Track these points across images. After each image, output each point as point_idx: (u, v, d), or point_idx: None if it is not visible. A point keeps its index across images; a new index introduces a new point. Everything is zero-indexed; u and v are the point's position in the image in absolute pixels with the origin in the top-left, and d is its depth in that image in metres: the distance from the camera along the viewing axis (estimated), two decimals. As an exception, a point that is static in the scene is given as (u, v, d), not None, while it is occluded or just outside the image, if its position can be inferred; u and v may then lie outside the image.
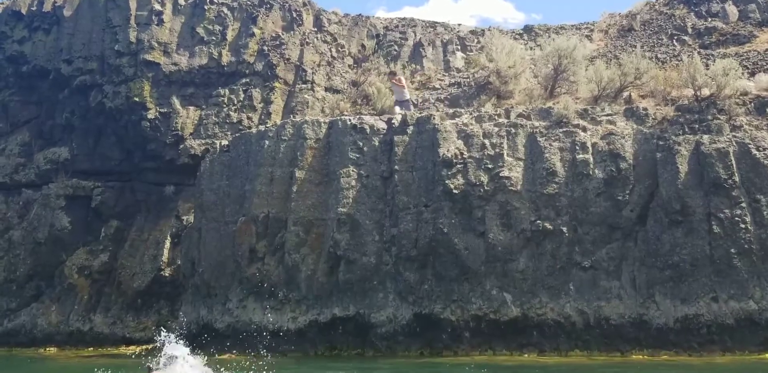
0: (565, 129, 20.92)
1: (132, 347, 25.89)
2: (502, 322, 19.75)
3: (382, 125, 22.17)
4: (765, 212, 19.39)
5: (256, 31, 28.55)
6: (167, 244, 27.62)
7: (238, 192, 23.28)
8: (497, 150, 20.81)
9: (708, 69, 22.02)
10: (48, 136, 30.79)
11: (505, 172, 20.52)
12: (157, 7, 28.27)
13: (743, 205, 19.44)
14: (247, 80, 28.07)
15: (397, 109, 24.14)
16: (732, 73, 21.52)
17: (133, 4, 28.45)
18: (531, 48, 28.39)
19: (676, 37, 27.34)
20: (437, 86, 27.34)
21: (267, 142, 22.97)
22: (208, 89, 28.15)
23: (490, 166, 20.65)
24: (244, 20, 28.81)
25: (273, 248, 22.28)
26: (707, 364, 17.28)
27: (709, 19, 28.01)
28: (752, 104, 21.30)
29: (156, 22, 28.20)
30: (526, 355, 19.18)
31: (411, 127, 21.74)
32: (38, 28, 30.57)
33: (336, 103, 26.75)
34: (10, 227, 30.13)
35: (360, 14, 31.07)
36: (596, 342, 19.35)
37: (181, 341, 14.47)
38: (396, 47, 29.67)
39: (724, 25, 27.46)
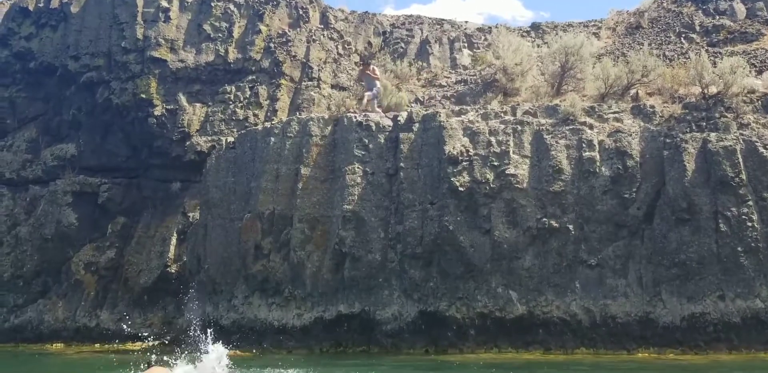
0: (571, 126, 20.74)
1: (138, 344, 25.83)
2: (508, 320, 19.60)
3: (387, 122, 22.03)
4: (772, 211, 19.19)
5: (262, 28, 28.44)
6: (173, 240, 27.56)
7: (244, 189, 23.17)
8: (503, 147, 20.64)
9: (715, 67, 21.84)
10: (55, 133, 30.74)
11: (511, 170, 20.35)
12: (164, 3, 28.19)
13: (750, 203, 19.25)
14: (254, 77, 27.97)
15: (368, 94, 23.76)
16: (739, 71, 21.32)
17: (140, 1, 28.39)
18: (538, 45, 28.20)
19: (683, 35, 27.14)
20: (443, 84, 27.19)
21: (273, 139, 22.85)
22: (215, 86, 28.06)
23: (496, 163, 20.48)
24: (250, 17, 28.70)
25: (278, 245, 22.17)
26: (714, 362, 17.10)
27: (717, 17, 27.81)
28: (759, 102, 21.11)
29: (163, 19, 28.11)
30: (531, 353, 19.03)
31: (417, 125, 21.59)
32: (45, 24, 30.52)
33: (342, 101, 26.60)
34: (17, 223, 30.09)
35: (367, 11, 30.96)
36: (602, 340, 19.19)
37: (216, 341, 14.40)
38: (402, 44, 29.53)
39: (732, 23, 27.26)
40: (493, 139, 20.79)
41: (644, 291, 19.42)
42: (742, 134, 20.02)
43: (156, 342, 25.39)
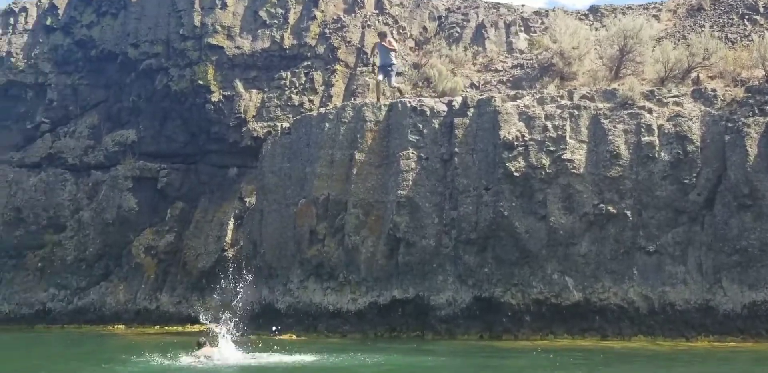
0: (630, 111, 20.13)
1: (197, 326, 25.97)
2: (564, 306, 19.19)
3: (442, 107, 21.64)
4: (839, 196, 18.43)
5: (317, 13, 28.18)
6: (230, 225, 27.63)
7: (299, 174, 23.05)
8: (559, 132, 20.15)
9: (780, 49, 21.00)
10: (116, 119, 30.96)
11: (568, 155, 19.87)
12: (221, -10, 28.12)
13: (815, 188, 18.50)
14: (309, 63, 27.77)
15: (380, 77, 22.01)
16: (805, 53, 20.48)
17: (197, -12, 28.37)
18: (596, 29, 27.45)
19: (747, 17, 26.17)
20: (499, 68, 26.65)
21: (327, 124, 22.64)
22: (271, 72, 27.94)
23: (552, 148, 20.01)
24: (305, 3, 28.46)
25: (333, 230, 22.02)
26: (775, 351, 16.52)
27: (781, -2, 26.76)
28: (826, 85, 20.25)
29: (220, 6, 28.05)
30: (587, 340, 18.61)
31: (471, 110, 21.18)
32: (106, 12, 30.70)
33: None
34: (80, 208, 30.43)
35: (422, -4, 30.44)
36: (660, 328, 18.70)
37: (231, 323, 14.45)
38: (458, 29, 28.99)
39: (796, 4, 26.22)
40: (549, 123, 20.30)
41: (704, 278, 18.86)
42: (807, 118, 19.24)
43: (213, 325, 25.49)
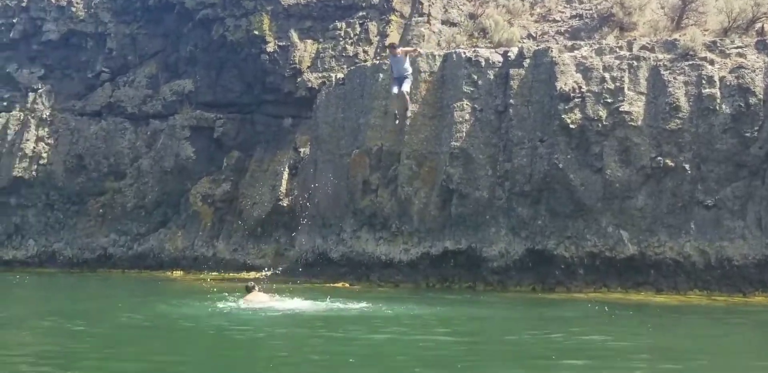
0: (691, 62, 19.24)
1: (252, 273, 26.00)
2: (618, 260, 18.67)
3: (497, 58, 20.94)
4: None
5: (373, -37, 27.40)
6: (285, 175, 27.42)
7: (353, 125, 22.63)
8: (617, 84, 19.36)
9: None
10: (173, 69, 30.76)
11: (626, 107, 19.12)
12: (276, -61, 27.45)
13: None
14: (364, 13, 27.11)
15: (395, 90, 18.51)
16: None
17: (253, -62, 27.74)
18: (657, -22, 26.28)
19: (814, -35, 24.82)
20: (557, 18, 25.71)
21: (381, 75, 22.09)
22: (326, 23, 27.36)
23: (609, 100, 19.27)
24: (361, -48, 27.68)
25: (386, 181, 21.65)
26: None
27: None
28: None
29: (275, -44, 27.43)
30: (641, 294, 18.11)
31: (528, 61, 20.45)
32: (163, -38, 30.29)
33: (452, 37, 25.52)
34: (139, 156, 30.49)
35: (479, -55, 29.42)
36: (717, 283, 18.12)
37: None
38: (515, -22, 27.98)
39: None
40: (607, 75, 19.52)
41: (763, 233, 18.14)
42: None
43: (268, 272, 25.51)
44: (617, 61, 19.65)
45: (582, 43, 21.17)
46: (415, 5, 26.73)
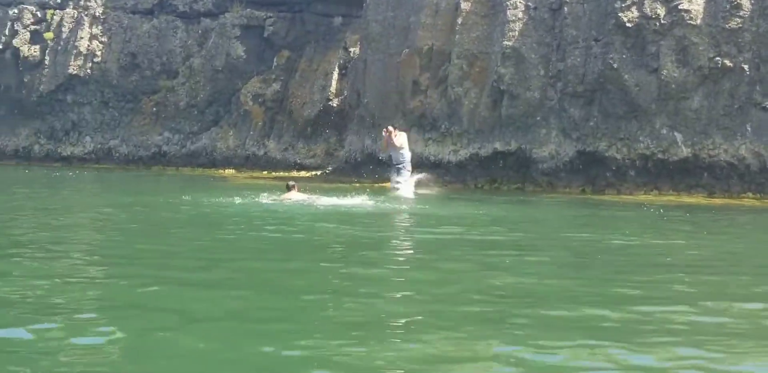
0: (757, -43, 18.02)
1: (303, 172, 25.97)
2: (671, 162, 18.08)
3: (554, -47, 19.84)
4: None
5: None
6: (335, 75, 26.98)
7: (403, 24, 21.88)
8: (678, -20, 18.28)
9: None
10: (223, -34, 29.99)
11: (685, 5, 18.08)
12: None
13: None
14: None
15: (392, 180, 16.71)
16: None
17: None
18: None
19: None
20: None
21: (433, -29, 21.17)
22: None
23: (669, -3, 18.24)
24: None
25: (436, 81, 21.06)
26: None
27: None
28: None
29: None
30: (693, 196, 17.60)
31: (585, -45, 19.35)
32: None
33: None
34: (191, 55, 30.18)
35: None
36: (771, 186, 17.51)
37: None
38: None
39: None
40: (667, -29, 18.42)
41: (822, 137, 17.37)
42: None
43: (318, 171, 25.44)
44: (679, -44, 18.48)
45: (642, -63, 19.91)
46: None
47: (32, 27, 31.80)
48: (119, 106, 31.13)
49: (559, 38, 19.42)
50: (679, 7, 18.09)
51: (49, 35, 31.50)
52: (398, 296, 5.25)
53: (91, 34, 30.88)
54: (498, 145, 19.86)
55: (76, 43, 30.75)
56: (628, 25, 18.33)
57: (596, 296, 5.27)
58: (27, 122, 32.02)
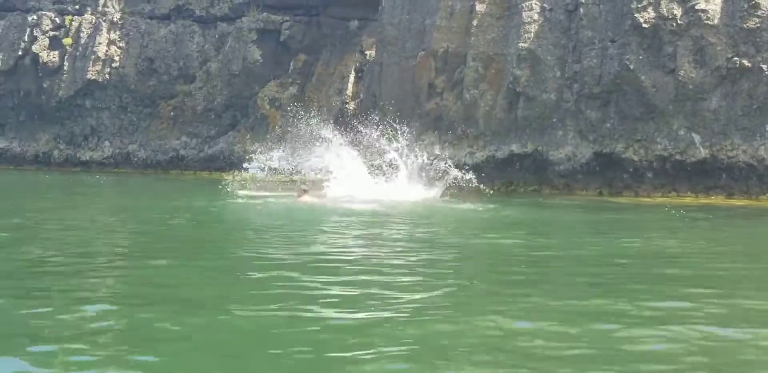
0: (774, -44, 17.74)
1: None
2: (689, 163, 17.83)
3: (569, -46, 19.65)
4: None
5: None
6: (351, 78, 26.88)
7: (419, 26, 21.76)
8: (695, -20, 18.03)
9: None
10: (240, -29, 29.96)
11: (702, 5, 17.83)
12: None
13: None
14: None
15: None
16: None
17: None
18: None
19: None
20: None
21: (448, -26, 21.03)
22: None
23: (685, -3, 17.99)
24: None
25: (452, 84, 20.92)
26: None
27: None
28: None
29: None
30: (711, 198, 17.33)
31: (601, -43, 19.13)
32: None
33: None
34: (208, 59, 30.17)
35: None
36: (790, 187, 17.22)
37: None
38: None
39: None
40: (684, -29, 18.17)
41: (842, 137, 17.07)
42: None
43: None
44: (695, -44, 18.24)
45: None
46: None
47: (51, 33, 31.91)
48: (137, 111, 31.16)
49: (575, 39, 19.22)
50: (696, 7, 17.85)
51: (67, 41, 31.59)
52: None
53: (109, 39, 30.94)
54: (514, 148, 19.69)
55: (95, 49, 30.81)
56: (644, 25, 18.11)
57: None
58: (46, 128, 32.12)
